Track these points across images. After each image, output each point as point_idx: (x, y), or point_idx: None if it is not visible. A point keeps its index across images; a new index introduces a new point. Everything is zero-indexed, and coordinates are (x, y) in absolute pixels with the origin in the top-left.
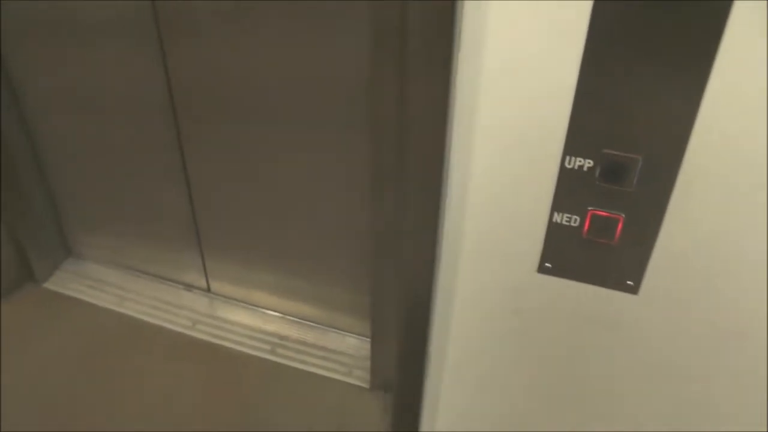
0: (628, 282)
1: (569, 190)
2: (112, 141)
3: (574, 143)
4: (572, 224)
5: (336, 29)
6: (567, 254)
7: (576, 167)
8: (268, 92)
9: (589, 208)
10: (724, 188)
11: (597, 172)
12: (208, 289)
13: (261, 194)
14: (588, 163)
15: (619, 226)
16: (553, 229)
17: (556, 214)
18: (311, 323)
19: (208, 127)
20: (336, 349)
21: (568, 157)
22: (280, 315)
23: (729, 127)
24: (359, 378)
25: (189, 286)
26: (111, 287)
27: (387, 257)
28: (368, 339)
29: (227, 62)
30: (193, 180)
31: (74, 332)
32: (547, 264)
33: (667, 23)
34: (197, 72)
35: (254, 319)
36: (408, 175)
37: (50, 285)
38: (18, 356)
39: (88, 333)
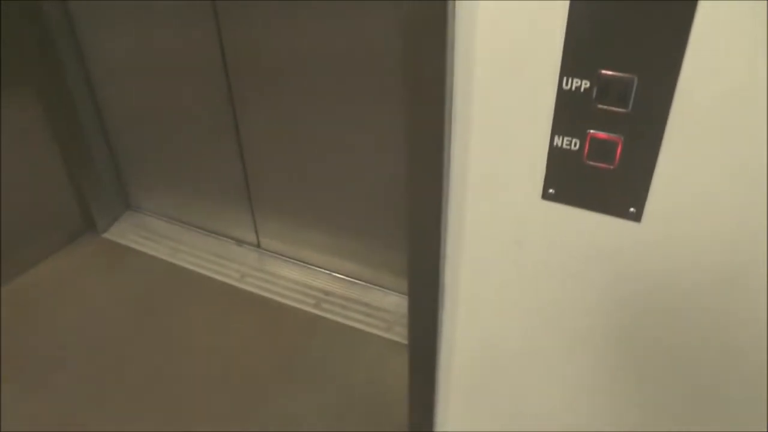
0: (631, 209)
1: (568, 112)
2: (170, 103)
3: (570, 64)
4: (573, 148)
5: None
6: (569, 179)
7: (573, 89)
8: (317, 59)
9: (589, 131)
10: (722, 109)
11: (594, 93)
12: (258, 245)
13: (310, 155)
14: (585, 84)
15: (618, 149)
16: (554, 153)
17: (556, 138)
18: (355, 280)
19: (260, 91)
20: (378, 305)
21: (565, 78)
22: (326, 271)
23: (723, 45)
24: (398, 334)
25: (239, 241)
26: (166, 239)
27: None
28: None
29: (278, 32)
30: (245, 141)
31: (130, 279)
32: (550, 190)
33: None
34: (250, 41)
35: (301, 274)
36: (412, 109)
37: (109, 235)
38: (79, 300)
39: (143, 280)
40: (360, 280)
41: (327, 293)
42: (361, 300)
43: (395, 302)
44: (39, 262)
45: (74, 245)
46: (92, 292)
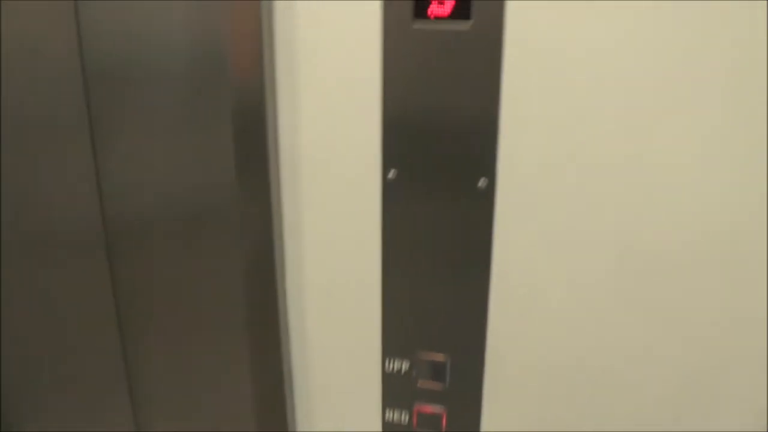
0: None
1: (394, 390)
2: (59, 356)
3: (389, 347)
4: (402, 422)
5: None
6: None
7: (395, 370)
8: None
9: (414, 406)
10: (529, 376)
11: (414, 372)
12: None
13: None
14: (405, 365)
15: (443, 421)
16: (387, 426)
17: (387, 414)
18: None
19: (153, 340)
20: None
21: (387, 360)
22: None
23: (523, 323)
24: None
25: None
26: None
27: None
28: None
29: (170, 277)
30: (137, 396)
31: None
32: None
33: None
34: (144, 288)
35: None
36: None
37: None
38: None
39: None
40: None
41: None
42: None
43: None
44: None
45: None
46: None
